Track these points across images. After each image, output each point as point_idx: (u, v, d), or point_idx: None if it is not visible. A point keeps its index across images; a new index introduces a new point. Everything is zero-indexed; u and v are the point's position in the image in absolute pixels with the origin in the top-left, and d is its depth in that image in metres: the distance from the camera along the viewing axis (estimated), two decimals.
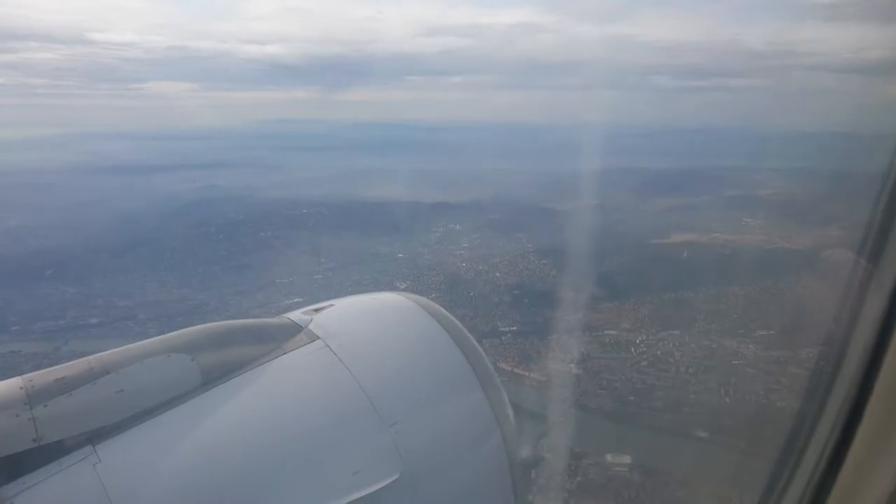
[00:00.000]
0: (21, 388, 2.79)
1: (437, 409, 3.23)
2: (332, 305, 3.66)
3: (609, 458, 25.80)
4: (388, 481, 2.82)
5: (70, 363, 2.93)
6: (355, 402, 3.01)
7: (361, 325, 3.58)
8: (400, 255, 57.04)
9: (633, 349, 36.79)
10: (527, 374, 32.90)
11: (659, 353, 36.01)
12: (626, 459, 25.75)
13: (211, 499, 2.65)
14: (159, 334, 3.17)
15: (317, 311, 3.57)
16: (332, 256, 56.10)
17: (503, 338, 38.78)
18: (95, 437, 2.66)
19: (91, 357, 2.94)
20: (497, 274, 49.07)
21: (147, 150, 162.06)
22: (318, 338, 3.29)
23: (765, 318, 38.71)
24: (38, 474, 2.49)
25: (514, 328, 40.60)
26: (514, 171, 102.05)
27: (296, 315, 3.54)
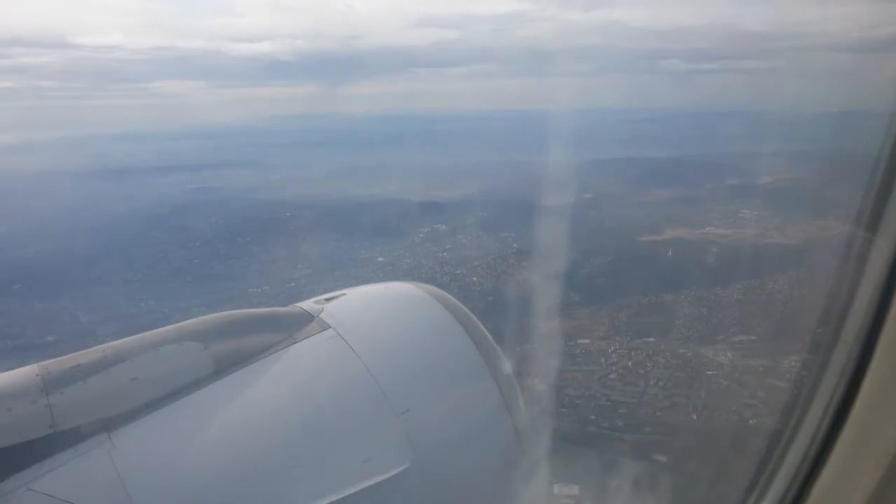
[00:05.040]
0: (37, 375, 2.88)
1: (448, 398, 3.22)
2: (343, 295, 3.67)
3: (556, 489, 24.05)
4: (398, 469, 2.82)
5: (84, 351, 3.00)
6: (366, 391, 3.01)
7: (373, 314, 3.59)
8: (380, 258, 55.58)
9: (603, 360, 34.96)
10: None
11: (630, 363, 34.17)
12: (574, 490, 24.02)
13: (224, 486, 2.66)
14: None
15: (328, 300, 3.60)
16: (309, 262, 54.71)
17: None
18: (110, 424, 2.71)
19: (105, 345, 3.01)
20: (474, 279, 47.35)
21: (150, 151, 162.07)
22: (330, 327, 3.31)
23: (746, 322, 36.66)
24: (53, 460, 2.55)
25: None
26: (512, 162, 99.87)
27: (307, 304, 3.59)
